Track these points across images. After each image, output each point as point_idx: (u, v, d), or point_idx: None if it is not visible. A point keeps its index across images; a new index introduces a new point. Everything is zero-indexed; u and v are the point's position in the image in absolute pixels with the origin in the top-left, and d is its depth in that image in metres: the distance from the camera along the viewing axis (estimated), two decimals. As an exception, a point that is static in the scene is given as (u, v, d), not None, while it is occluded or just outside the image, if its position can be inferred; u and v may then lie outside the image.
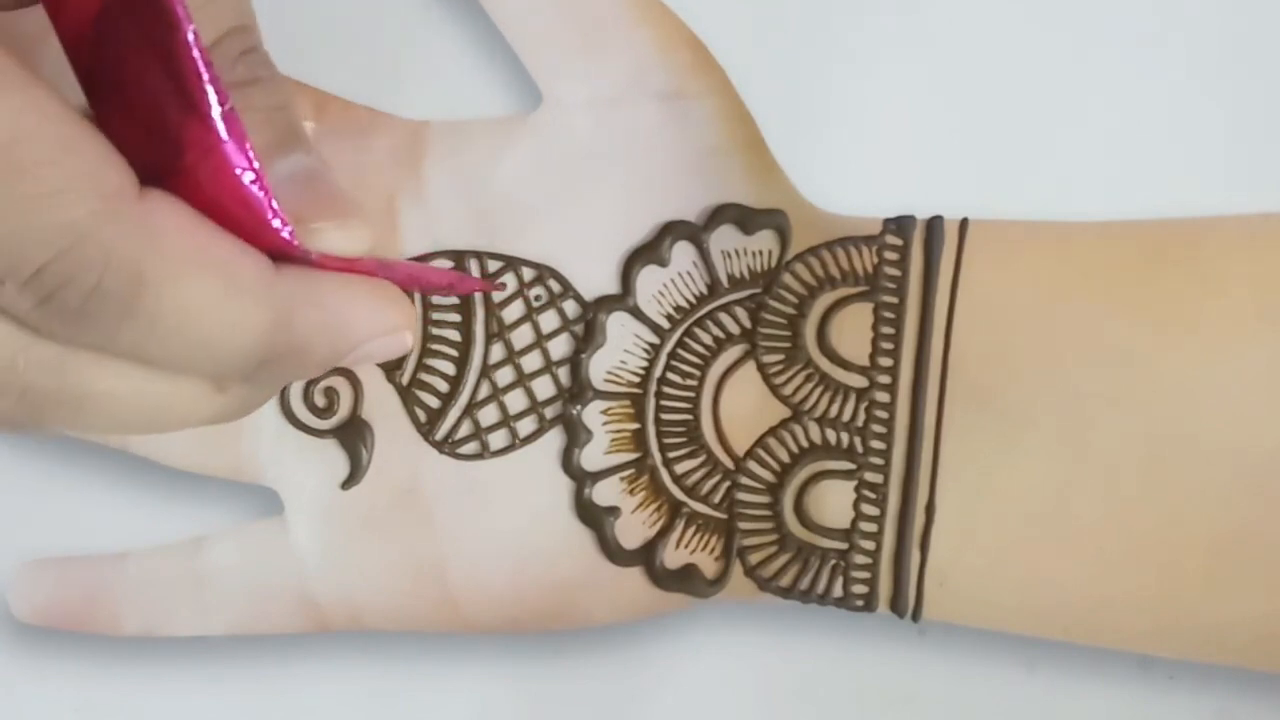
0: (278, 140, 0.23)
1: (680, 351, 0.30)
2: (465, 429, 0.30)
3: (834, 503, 0.29)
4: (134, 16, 0.20)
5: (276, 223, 0.21)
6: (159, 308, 0.20)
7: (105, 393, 0.21)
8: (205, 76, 0.20)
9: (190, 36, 0.19)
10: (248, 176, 0.21)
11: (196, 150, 0.20)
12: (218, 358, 0.21)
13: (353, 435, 0.30)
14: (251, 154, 0.20)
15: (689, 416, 0.30)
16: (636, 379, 0.30)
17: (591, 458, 0.30)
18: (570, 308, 0.30)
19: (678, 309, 0.30)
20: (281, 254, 0.22)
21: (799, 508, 0.29)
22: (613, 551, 0.30)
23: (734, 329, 0.30)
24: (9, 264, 0.19)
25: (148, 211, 0.20)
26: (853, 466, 0.29)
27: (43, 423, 0.22)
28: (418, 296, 0.30)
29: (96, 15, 0.21)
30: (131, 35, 0.20)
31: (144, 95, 0.20)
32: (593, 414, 0.30)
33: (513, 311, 0.30)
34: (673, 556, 0.30)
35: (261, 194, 0.21)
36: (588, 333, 0.30)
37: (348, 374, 0.30)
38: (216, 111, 0.20)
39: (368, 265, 0.24)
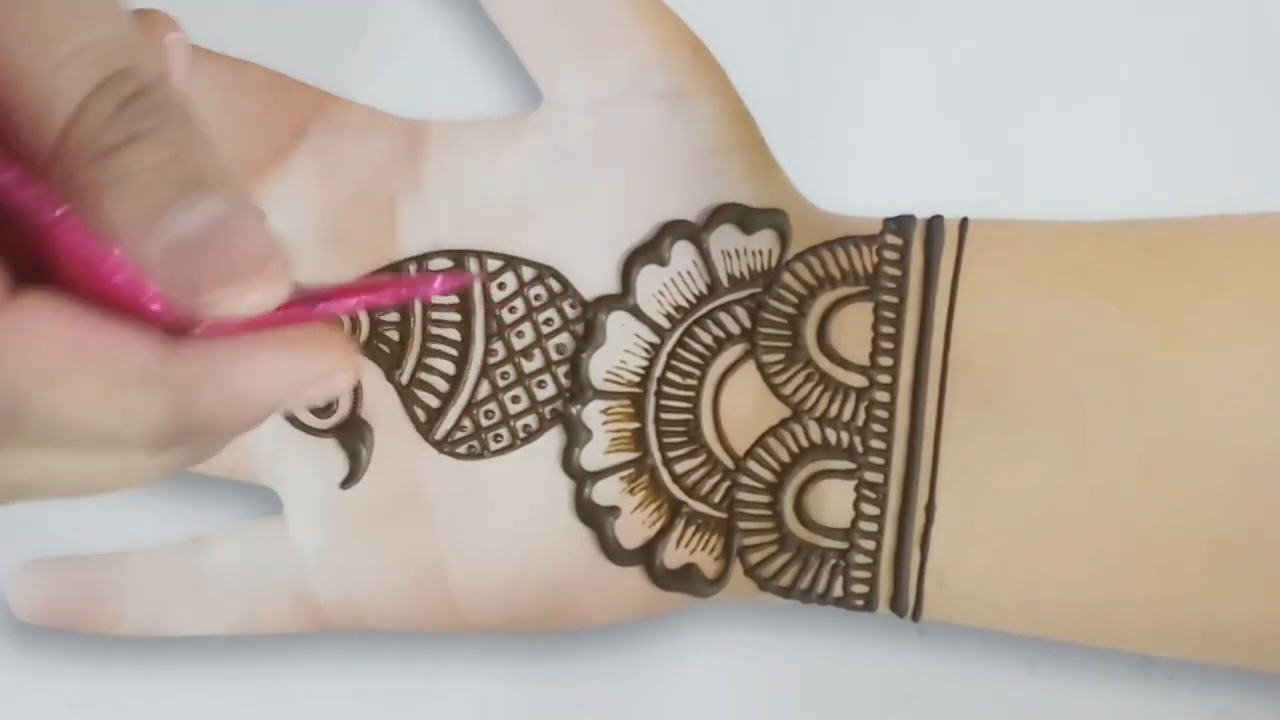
0: (171, 195, 0.21)
1: (680, 351, 0.30)
2: (465, 428, 0.30)
3: (834, 502, 0.29)
4: None
5: (154, 307, 0.21)
6: (46, 413, 0.21)
7: (35, 480, 0.22)
8: (28, 197, 0.20)
9: None
10: (111, 271, 0.21)
11: (56, 256, 0.21)
12: (124, 442, 0.22)
13: (352, 434, 0.30)
14: (105, 251, 0.21)
15: (689, 416, 0.30)
16: (636, 378, 0.30)
17: (591, 457, 0.30)
18: (570, 307, 0.30)
19: (678, 308, 0.30)
20: (173, 331, 0.22)
21: (799, 507, 0.29)
22: (613, 551, 0.30)
23: (734, 329, 0.30)
24: None
25: (19, 322, 0.21)
26: (853, 466, 0.29)
27: None
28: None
29: None
30: None
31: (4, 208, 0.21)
32: (593, 413, 0.30)
33: (513, 311, 0.30)
34: (673, 556, 0.30)
35: (132, 283, 0.21)
36: (588, 332, 0.30)
37: (348, 374, 0.30)
38: (53, 222, 0.20)
39: (275, 318, 0.22)
